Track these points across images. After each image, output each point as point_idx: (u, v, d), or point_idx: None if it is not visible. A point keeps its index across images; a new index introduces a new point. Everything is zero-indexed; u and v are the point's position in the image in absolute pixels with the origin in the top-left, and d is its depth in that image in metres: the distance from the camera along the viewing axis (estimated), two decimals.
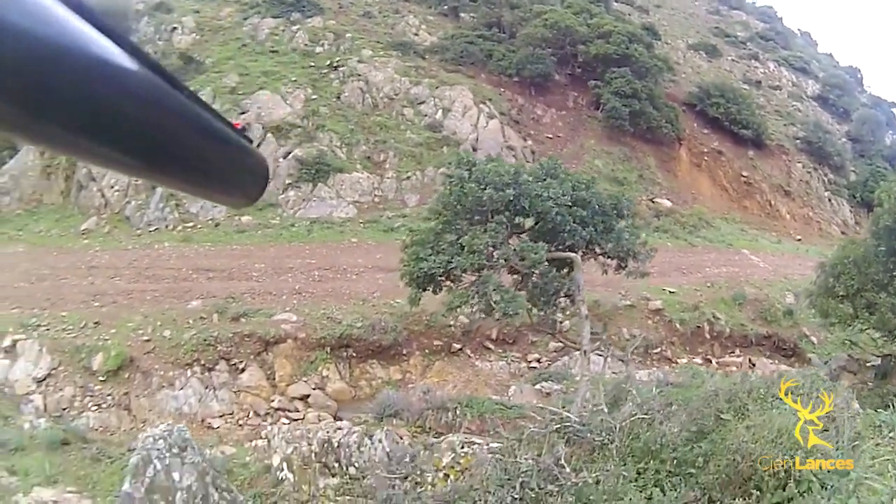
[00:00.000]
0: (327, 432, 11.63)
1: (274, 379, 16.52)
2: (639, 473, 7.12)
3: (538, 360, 17.95)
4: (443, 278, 10.22)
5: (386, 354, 17.43)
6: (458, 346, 18.02)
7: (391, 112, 30.25)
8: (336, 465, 11.14)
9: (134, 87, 0.72)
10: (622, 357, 12.55)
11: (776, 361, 20.14)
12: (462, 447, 10.20)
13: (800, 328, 21.50)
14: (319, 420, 15.16)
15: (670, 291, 21.72)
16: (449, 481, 9.40)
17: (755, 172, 38.03)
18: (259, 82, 29.03)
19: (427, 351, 17.82)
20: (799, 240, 35.08)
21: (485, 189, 9.39)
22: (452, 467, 9.88)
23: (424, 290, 10.59)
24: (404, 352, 17.59)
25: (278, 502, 10.69)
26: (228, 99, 28.00)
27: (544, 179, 10.32)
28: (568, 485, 6.81)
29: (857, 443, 6.31)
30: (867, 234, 15.98)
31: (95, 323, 16.83)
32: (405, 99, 30.83)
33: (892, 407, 6.92)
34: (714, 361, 19.96)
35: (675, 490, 6.54)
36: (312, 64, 31.59)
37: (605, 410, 8.68)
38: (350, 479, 10.78)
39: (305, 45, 33.04)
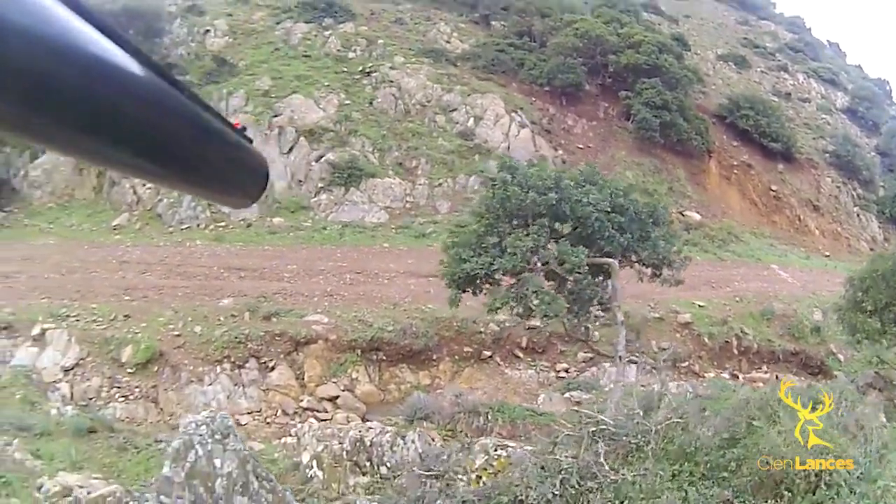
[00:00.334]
0: (359, 431, 11.72)
1: (303, 379, 16.64)
2: (674, 475, 7.22)
3: (566, 370, 17.92)
4: (482, 280, 10.30)
5: (416, 359, 17.51)
6: (488, 354, 18.02)
7: (423, 119, 30.42)
8: (367, 464, 11.22)
9: (134, 86, 0.72)
10: (655, 366, 12.54)
11: (802, 378, 19.92)
12: (496, 450, 10.25)
13: (827, 345, 21.28)
14: (348, 421, 15.23)
15: (699, 305, 21.59)
16: (481, 483, 9.45)
17: (784, 186, 37.66)
18: (292, 86, 29.31)
19: (457, 357, 17.85)
20: (827, 256, 34.65)
21: (528, 192, 9.48)
22: (485, 469, 9.93)
23: (464, 291, 10.67)
24: (434, 357, 17.65)
25: (307, 499, 10.75)
26: (261, 102, 28.35)
27: (584, 185, 10.39)
28: (607, 482, 6.89)
29: (883, 452, 6.41)
30: None
31: (126, 316, 17.04)
32: (437, 106, 30.97)
33: None
34: (741, 377, 19.81)
35: (710, 490, 6.63)
36: (345, 69, 31.91)
37: (641, 414, 8.73)
38: (381, 478, 10.86)
39: (338, 50, 33.38)
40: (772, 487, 6.39)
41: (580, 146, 32.60)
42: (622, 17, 39.23)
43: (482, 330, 17.75)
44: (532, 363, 18.09)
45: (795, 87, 50.55)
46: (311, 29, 34.47)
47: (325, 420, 15.58)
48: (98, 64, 0.66)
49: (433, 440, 11.58)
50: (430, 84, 31.72)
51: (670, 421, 8.14)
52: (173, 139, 0.80)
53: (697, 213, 31.69)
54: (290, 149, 27.01)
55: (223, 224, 24.51)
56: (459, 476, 9.87)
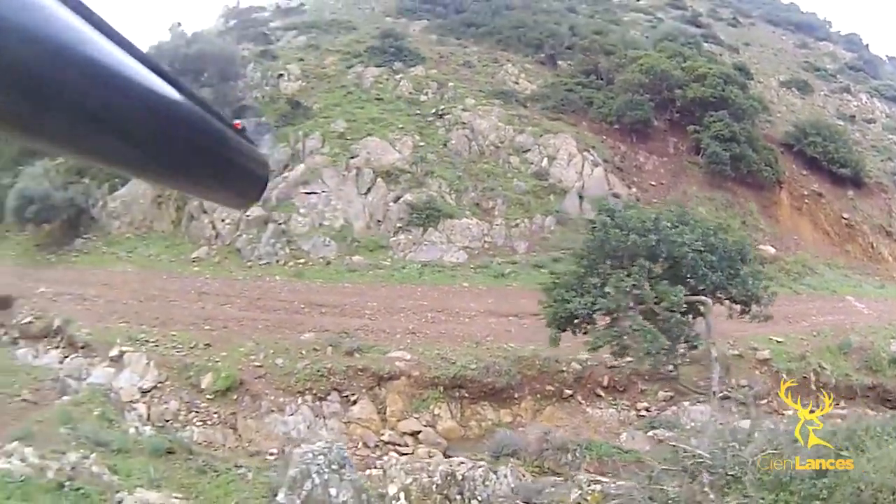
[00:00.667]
0: (450, 465, 11.97)
1: (385, 413, 16.90)
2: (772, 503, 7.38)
3: (647, 409, 17.70)
4: (581, 320, 10.56)
5: (498, 397, 17.60)
6: (570, 392, 17.95)
7: (497, 159, 30.78)
8: (458, 497, 11.43)
9: (133, 86, 0.73)
10: (744, 401, 12.49)
11: (881, 413, 19.30)
12: (588, 485, 10.38)
13: None
14: (430, 456, 15.44)
15: (777, 341, 21.15)
16: None
17: (856, 213, 36.44)
18: (367, 128, 30.11)
19: (539, 395, 17.82)
20: None
21: (629, 234, 9.75)
22: (580, 503, 10.06)
23: (564, 330, 10.94)
24: (516, 395, 17.70)
25: None
26: (337, 143, 29.26)
27: (677, 226, 10.61)
28: None
29: None
30: None
31: (206, 344, 17.66)
32: (510, 147, 31.32)
33: None
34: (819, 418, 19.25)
35: None
36: (418, 112, 32.65)
37: (736, 447, 8.83)
38: None
39: (410, 93, 34.23)
40: None
41: (652, 183, 32.50)
42: (684, 50, 39.14)
43: (564, 369, 17.75)
44: (613, 402, 17.95)
45: (859, 108, 49.33)
46: (382, 73, 35.47)
47: (405, 454, 15.84)
48: (98, 64, 0.68)
49: (524, 475, 11.74)
50: (502, 125, 32.14)
51: (766, 453, 8.28)
52: (172, 139, 0.81)
53: (772, 246, 31.08)
54: (368, 189, 27.73)
55: (302, 261, 25.11)
56: None
